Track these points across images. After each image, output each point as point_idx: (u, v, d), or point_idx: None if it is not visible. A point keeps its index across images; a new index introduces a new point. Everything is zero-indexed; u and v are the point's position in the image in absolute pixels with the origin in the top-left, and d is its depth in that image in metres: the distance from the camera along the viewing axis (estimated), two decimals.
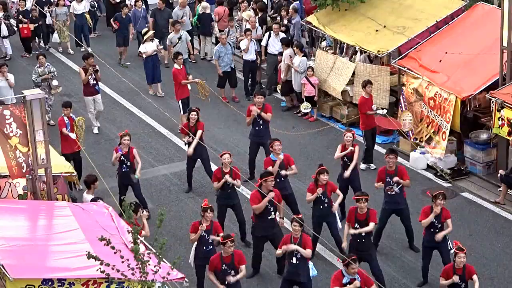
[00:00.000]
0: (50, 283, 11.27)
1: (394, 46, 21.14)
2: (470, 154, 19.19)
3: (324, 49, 23.34)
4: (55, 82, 22.07)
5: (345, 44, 22.78)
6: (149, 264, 10.64)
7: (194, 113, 18.46)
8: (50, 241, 12.37)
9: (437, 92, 19.39)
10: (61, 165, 15.29)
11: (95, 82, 21.41)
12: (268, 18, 25.49)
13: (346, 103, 21.89)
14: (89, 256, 10.40)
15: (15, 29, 26.98)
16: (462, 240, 15.52)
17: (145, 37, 24.14)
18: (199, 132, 18.28)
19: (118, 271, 10.37)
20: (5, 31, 26.69)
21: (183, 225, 17.58)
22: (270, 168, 16.53)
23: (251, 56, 23.72)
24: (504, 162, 18.47)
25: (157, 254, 10.76)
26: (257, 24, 24.77)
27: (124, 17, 26.30)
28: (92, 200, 15.48)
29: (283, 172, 16.81)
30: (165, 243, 10.80)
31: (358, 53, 21.88)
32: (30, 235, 12.64)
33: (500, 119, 17.96)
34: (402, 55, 20.86)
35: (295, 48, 22.84)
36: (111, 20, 26.79)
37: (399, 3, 22.37)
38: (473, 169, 19.14)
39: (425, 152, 19.79)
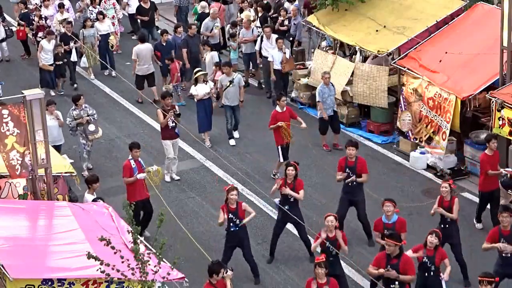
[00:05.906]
0: (50, 283, 11.28)
1: (394, 46, 21.14)
2: (470, 154, 19.19)
3: (324, 49, 23.34)
4: (91, 127, 19.44)
5: (339, 42, 22.74)
6: (149, 264, 10.65)
7: (292, 168, 16.01)
8: (50, 241, 12.37)
9: (437, 92, 19.39)
10: (61, 165, 15.25)
11: (174, 124, 18.97)
12: (269, 19, 25.46)
13: (346, 103, 21.90)
14: (89, 256, 10.40)
15: (13, 30, 26.80)
16: (462, 240, 15.55)
17: (195, 76, 21.10)
18: (301, 193, 15.92)
19: (118, 271, 10.38)
20: (3, 34, 26.51)
21: (183, 225, 17.57)
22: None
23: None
24: (504, 162, 18.45)
25: (157, 254, 10.77)
26: (252, 25, 24.72)
27: (164, 44, 23.74)
28: (93, 201, 15.48)
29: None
30: (165, 243, 10.82)
31: (358, 53, 21.89)
32: (30, 235, 12.64)
33: (500, 119, 17.95)
34: (402, 55, 20.86)
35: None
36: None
37: (399, 3, 22.37)
38: (473, 169, 19.11)
39: (425, 152, 19.79)
